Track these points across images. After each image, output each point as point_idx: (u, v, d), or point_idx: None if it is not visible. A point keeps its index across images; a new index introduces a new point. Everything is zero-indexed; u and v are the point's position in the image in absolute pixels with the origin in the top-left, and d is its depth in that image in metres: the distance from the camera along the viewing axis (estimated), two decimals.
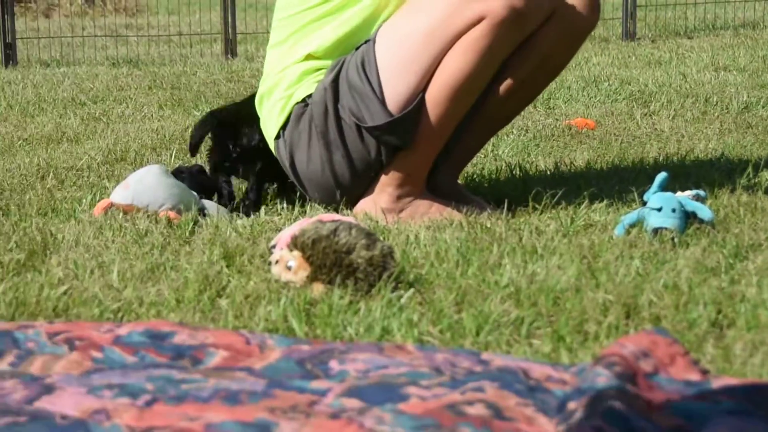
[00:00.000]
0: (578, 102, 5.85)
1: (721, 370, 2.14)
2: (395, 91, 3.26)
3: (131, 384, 2.00)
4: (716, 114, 5.29)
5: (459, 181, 3.68)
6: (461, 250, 2.94)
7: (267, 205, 3.56)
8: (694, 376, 2.02)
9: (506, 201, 3.38)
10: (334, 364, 2.08)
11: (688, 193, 3.24)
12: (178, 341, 2.24)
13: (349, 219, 2.83)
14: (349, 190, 3.41)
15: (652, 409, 1.84)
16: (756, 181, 3.72)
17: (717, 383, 1.98)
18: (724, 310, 2.47)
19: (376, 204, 3.38)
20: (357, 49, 3.35)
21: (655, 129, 4.95)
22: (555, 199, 3.42)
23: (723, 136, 4.71)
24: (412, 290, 2.61)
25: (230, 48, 8.85)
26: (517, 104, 3.56)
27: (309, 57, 3.40)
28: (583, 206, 3.39)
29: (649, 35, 9.69)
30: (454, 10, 3.22)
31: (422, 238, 3.06)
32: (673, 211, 3.07)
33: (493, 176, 3.99)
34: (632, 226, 3.12)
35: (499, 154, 4.41)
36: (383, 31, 3.31)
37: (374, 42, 3.30)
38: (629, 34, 9.58)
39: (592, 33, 9.74)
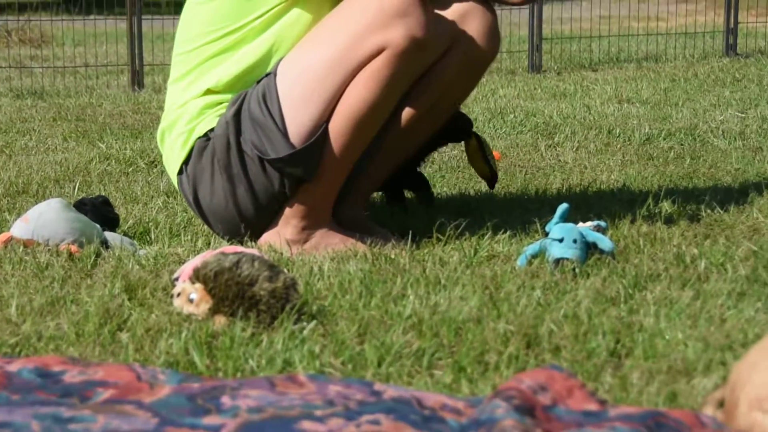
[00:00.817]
0: (484, 133, 5.89)
1: (618, 399, 2.17)
2: (297, 123, 3.27)
3: (16, 422, 1.96)
4: (619, 146, 5.37)
5: (364, 212, 3.68)
6: (365, 282, 2.94)
7: (172, 237, 3.54)
8: (592, 407, 2.04)
9: (410, 232, 3.39)
10: (226, 400, 2.06)
11: (589, 223, 3.28)
12: (68, 379, 2.21)
13: (252, 251, 2.82)
14: (253, 223, 3.40)
15: None
16: (656, 211, 3.78)
17: (614, 412, 2.01)
18: (622, 340, 2.50)
19: (281, 236, 3.38)
20: (258, 82, 3.35)
21: (559, 160, 5.01)
22: (459, 230, 3.44)
23: (625, 167, 4.78)
24: (314, 322, 2.61)
25: (137, 79, 8.79)
26: (420, 135, 3.58)
27: (209, 91, 3.39)
28: (486, 237, 3.41)
29: (555, 68, 9.81)
30: (355, 41, 3.24)
31: (326, 270, 3.06)
32: (574, 241, 3.11)
33: (398, 207, 4.00)
34: (534, 256, 3.15)
35: None
36: (284, 63, 3.32)
37: (275, 75, 3.31)
38: (535, 67, 9.69)
39: (499, 65, 9.85)
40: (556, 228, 3.16)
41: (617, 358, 2.42)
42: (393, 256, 3.24)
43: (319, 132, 3.27)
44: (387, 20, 3.22)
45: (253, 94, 3.33)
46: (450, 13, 3.45)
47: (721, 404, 2.02)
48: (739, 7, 11.01)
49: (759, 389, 1.89)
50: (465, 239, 3.40)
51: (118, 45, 9.87)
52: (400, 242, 3.38)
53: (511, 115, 6.41)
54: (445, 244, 3.36)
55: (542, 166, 4.89)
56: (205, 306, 2.63)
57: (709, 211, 3.77)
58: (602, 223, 3.30)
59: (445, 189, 4.36)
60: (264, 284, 2.60)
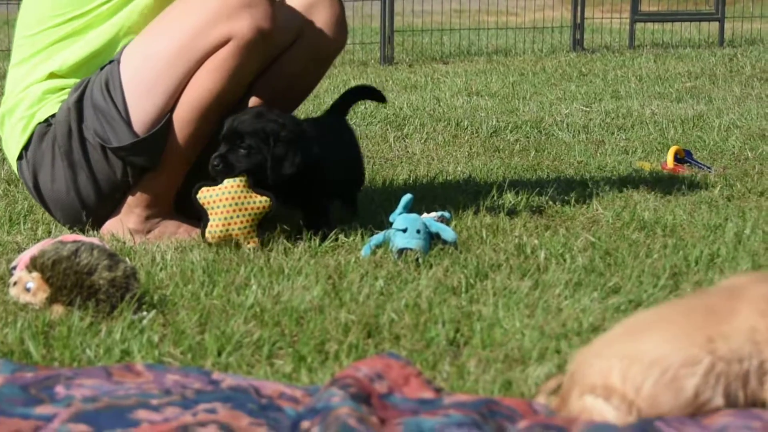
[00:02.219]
0: None
1: (455, 387, 2.20)
2: (141, 112, 3.23)
3: None
4: (466, 138, 5.43)
5: None
6: (208, 271, 2.93)
7: (11, 225, 3.47)
8: (428, 395, 2.06)
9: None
10: (60, 389, 2.03)
11: (433, 214, 3.31)
12: None
13: (92, 240, 2.78)
14: (95, 211, 3.35)
15: (386, 427, 1.88)
16: (500, 203, 3.84)
17: (449, 400, 2.03)
18: (461, 329, 2.53)
19: (124, 225, 3.34)
20: (102, 69, 3.30)
21: (407, 152, 5.05)
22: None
23: (471, 159, 4.84)
24: (154, 311, 2.59)
25: None
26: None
27: (52, 75, 3.34)
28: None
29: (407, 60, 9.89)
30: (201, 31, 3.21)
31: (169, 259, 3.04)
32: (418, 232, 3.14)
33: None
34: (378, 246, 3.17)
35: None
36: (128, 51, 3.28)
37: (119, 62, 3.26)
38: (387, 59, 9.74)
39: (352, 57, 9.87)
40: (400, 218, 3.19)
41: (456, 346, 2.45)
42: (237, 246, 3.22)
43: (163, 121, 3.24)
44: (233, 10, 3.20)
45: (96, 80, 3.28)
46: (297, 3, 3.46)
47: (554, 392, 2.06)
48: (586, 4, 11.23)
49: (595, 377, 1.94)
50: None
51: None
52: None
53: (362, 107, 6.43)
54: (289, 235, 3.36)
55: (390, 157, 4.92)
56: (42, 295, 2.58)
57: (550, 203, 3.85)
58: (446, 214, 3.34)
59: None
60: (103, 273, 2.57)
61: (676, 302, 2.20)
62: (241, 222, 3.17)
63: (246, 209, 3.17)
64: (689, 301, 2.14)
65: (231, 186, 3.16)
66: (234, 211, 3.16)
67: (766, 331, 1.96)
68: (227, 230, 3.16)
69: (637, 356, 1.93)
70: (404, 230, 3.14)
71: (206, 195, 3.17)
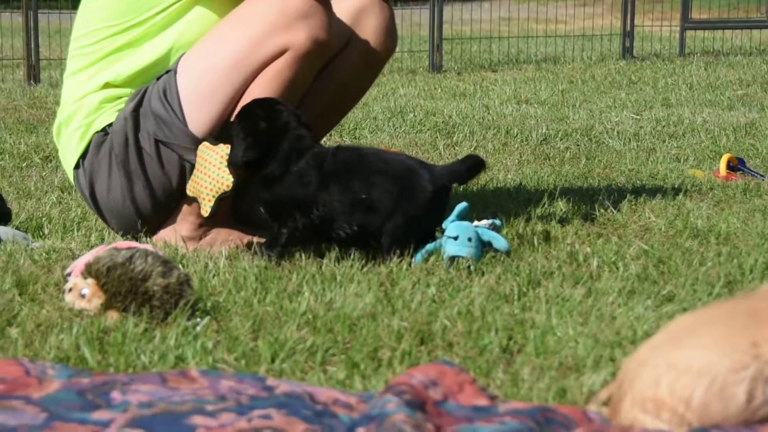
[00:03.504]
0: (384, 132, 5.92)
1: (509, 395, 2.19)
2: (198, 122, 3.25)
3: None
4: (516, 145, 5.42)
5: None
6: (260, 278, 2.94)
7: (65, 232, 3.49)
8: (483, 402, 2.06)
9: None
10: (116, 395, 2.04)
11: (484, 222, 3.30)
12: None
13: (146, 246, 2.80)
14: (150, 219, 3.38)
15: None
16: (551, 210, 3.83)
17: (504, 407, 2.03)
18: (514, 337, 2.52)
19: (177, 233, 3.36)
20: (158, 79, 3.32)
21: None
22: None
23: (522, 166, 4.83)
24: (208, 318, 2.60)
25: (33, 74, 8.67)
26: (318, 132, 3.58)
27: (108, 85, 3.36)
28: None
29: (455, 68, 9.89)
30: (258, 42, 3.22)
31: (221, 266, 3.05)
32: (469, 239, 3.13)
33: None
34: (430, 254, 3.17)
35: None
36: (185, 61, 3.29)
37: (176, 72, 3.28)
38: (436, 67, 9.75)
39: (400, 65, 9.88)
40: (452, 226, 3.18)
41: (509, 354, 2.44)
42: (289, 253, 3.23)
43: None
44: (290, 21, 3.21)
45: (153, 90, 3.30)
46: (347, 9, 3.46)
47: (605, 402, 2.05)
48: (636, 11, 11.18)
49: (644, 389, 1.93)
50: None
51: (14, 39, 9.71)
52: None
53: (411, 114, 6.44)
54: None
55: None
56: (97, 301, 2.60)
57: (602, 210, 3.83)
58: (497, 222, 3.33)
59: None
60: (157, 280, 2.58)
61: (719, 306, 2.16)
62: (204, 187, 3.25)
63: (212, 178, 3.24)
64: (732, 305, 2.10)
65: (218, 152, 3.22)
66: (204, 173, 3.25)
67: None
68: (194, 186, 3.27)
69: (684, 366, 1.91)
70: (455, 238, 3.14)
71: (201, 149, 3.26)
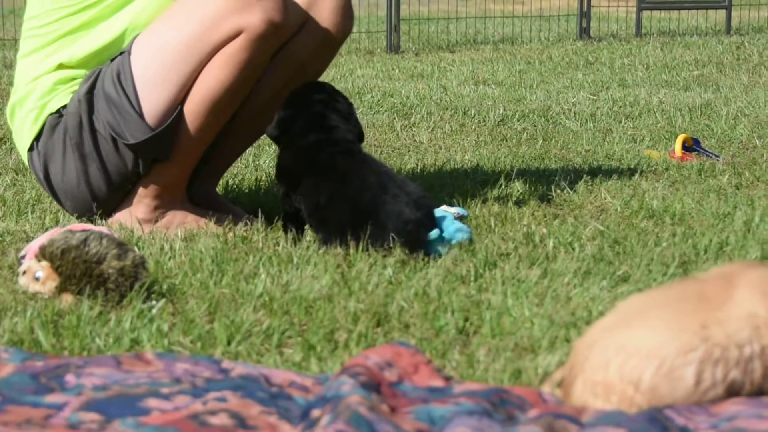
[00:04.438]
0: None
1: (465, 376, 2.20)
2: (153, 104, 3.23)
3: None
4: (473, 126, 5.43)
5: (217, 190, 3.67)
6: (216, 260, 2.93)
7: (20, 214, 3.47)
8: (438, 383, 2.06)
9: (259, 210, 3.38)
10: (70, 378, 2.03)
11: (453, 210, 3.32)
12: None
13: (101, 229, 2.78)
14: (105, 201, 3.35)
15: (396, 415, 1.88)
16: (508, 192, 3.84)
17: (459, 388, 2.03)
18: (470, 318, 2.53)
19: (132, 215, 3.34)
20: (112, 60, 3.29)
21: (415, 140, 5.05)
22: None
23: (479, 147, 4.84)
24: (164, 300, 2.59)
25: None
26: (274, 114, 3.57)
27: (62, 66, 3.33)
28: None
29: (413, 48, 9.88)
30: (212, 23, 3.20)
31: (177, 248, 3.04)
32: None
33: (253, 186, 3.99)
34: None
35: (260, 164, 4.41)
36: (139, 42, 3.27)
37: (129, 53, 3.26)
38: (393, 47, 9.73)
39: (358, 45, 9.86)
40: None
41: (465, 335, 2.45)
42: (246, 235, 3.22)
43: (176, 113, 3.23)
44: (244, 3, 3.18)
45: (107, 72, 3.27)
46: None
47: (560, 383, 2.06)
48: None
49: (594, 372, 1.94)
50: None
51: None
52: (253, 220, 3.37)
53: (369, 95, 6.43)
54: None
55: (398, 146, 4.91)
56: (51, 284, 2.58)
57: (558, 191, 3.84)
58: (464, 212, 3.34)
59: None
60: (112, 262, 2.57)
61: (669, 288, 2.17)
62: None
63: None
64: (682, 287, 2.11)
65: None
66: None
67: (765, 315, 1.95)
68: None
69: (633, 348, 1.92)
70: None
71: None
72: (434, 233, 3.07)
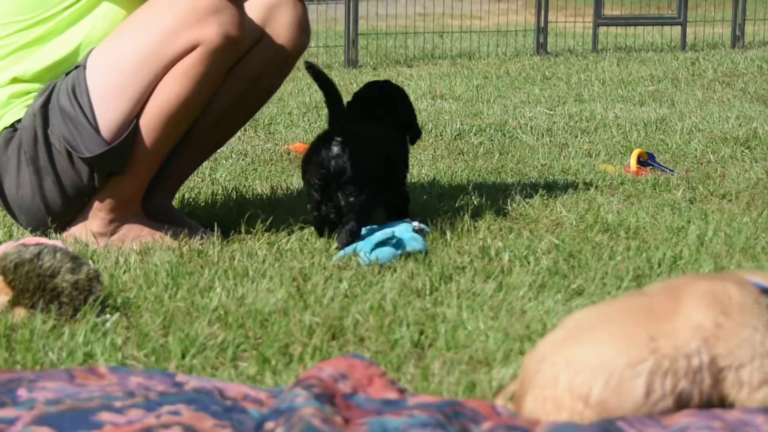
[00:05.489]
0: (298, 127, 5.91)
1: (419, 389, 2.20)
2: (108, 118, 3.21)
3: None
4: (431, 141, 5.44)
5: (174, 204, 3.65)
6: (171, 274, 2.92)
7: None
8: (392, 395, 2.06)
9: (215, 224, 3.38)
10: (22, 392, 2.02)
11: (415, 223, 3.33)
12: None
13: (55, 242, 2.77)
14: (60, 215, 3.33)
15: (350, 427, 1.88)
16: (464, 205, 3.85)
17: (413, 400, 2.04)
18: (425, 331, 2.54)
19: (88, 228, 3.32)
20: (67, 74, 3.28)
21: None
22: (269, 223, 3.44)
23: (436, 161, 4.85)
24: (118, 314, 2.58)
25: None
26: (230, 128, 3.57)
27: (15, 80, 3.31)
28: (297, 230, 3.42)
29: (371, 63, 9.89)
30: (168, 37, 3.19)
31: (132, 262, 3.03)
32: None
33: (210, 200, 3.98)
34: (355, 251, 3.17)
35: (217, 177, 4.41)
36: (94, 56, 3.25)
37: (85, 67, 3.24)
38: (351, 62, 9.75)
39: (316, 60, 9.86)
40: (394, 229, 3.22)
41: (420, 348, 2.46)
42: (201, 248, 3.22)
43: (131, 127, 3.22)
44: (200, 16, 3.18)
45: (62, 85, 3.26)
46: (260, 4, 3.45)
47: (512, 397, 2.07)
48: (550, 8, 11.28)
49: (544, 387, 1.95)
50: (275, 232, 3.41)
51: None
52: (209, 234, 3.36)
53: (326, 110, 6.41)
54: (255, 237, 3.36)
55: None
56: (4, 298, 2.57)
57: (514, 205, 3.86)
58: (425, 228, 3.35)
59: (257, 182, 4.35)
60: (66, 276, 2.56)
61: (616, 301, 2.19)
62: None
63: None
64: (629, 301, 2.12)
65: None
66: None
67: (712, 327, 1.97)
68: None
69: (582, 362, 1.93)
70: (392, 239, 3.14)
71: None
72: (386, 232, 3.11)
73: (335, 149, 3.23)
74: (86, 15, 3.30)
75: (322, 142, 3.30)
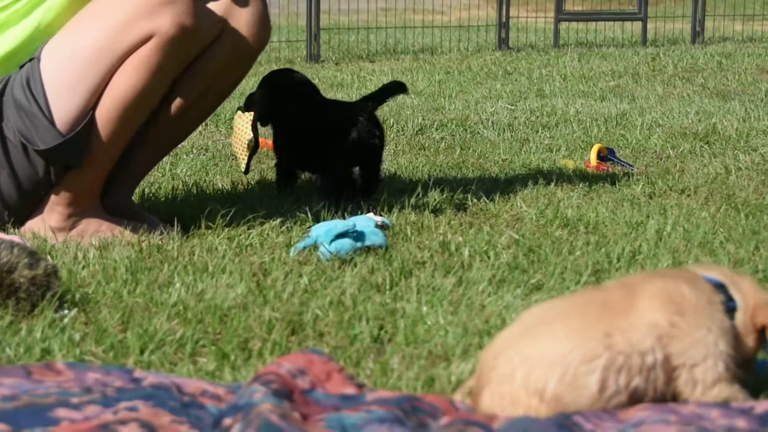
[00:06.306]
0: None
1: (379, 384, 2.20)
2: (64, 110, 3.19)
3: None
4: (392, 136, 5.44)
5: (133, 199, 3.64)
6: (131, 269, 2.91)
7: None
8: (350, 390, 2.06)
9: (175, 219, 3.37)
10: None
11: (378, 218, 3.33)
12: None
13: (12, 238, 2.75)
14: (17, 210, 3.31)
15: (308, 423, 1.88)
16: (425, 200, 3.85)
17: (372, 396, 2.04)
18: (385, 326, 2.54)
19: (45, 223, 3.30)
20: (21, 67, 3.26)
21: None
22: (229, 218, 3.43)
23: (397, 157, 4.85)
24: (76, 310, 2.56)
25: None
26: (190, 123, 3.56)
27: None
28: (257, 225, 3.41)
29: (333, 58, 9.89)
30: (122, 27, 3.18)
31: (91, 257, 3.01)
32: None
33: (170, 195, 3.97)
34: (305, 249, 3.16)
35: (177, 172, 4.39)
36: (49, 48, 3.24)
37: (39, 60, 3.22)
38: (313, 57, 9.74)
39: (278, 54, 9.84)
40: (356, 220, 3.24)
41: (380, 343, 2.46)
42: (161, 244, 3.21)
43: (87, 119, 3.20)
44: (154, 7, 3.17)
45: (16, 79, 3.23)
46: (219, 0, 3.44)
47: (470, 392, 2.07)
48: (512, 3, 11.31)
49: (500, 383, 1.95)
50: (235, 227, 3.40)
51: None
52: (168, 229, 3.35)
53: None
54: (215, 232, 3.35)
55: None
56: None
57: (475, 200, 3.87)
58: (388, 222, 3.36)
59: (218, 177, 4.34)
60: (24, 271, 2.54)
61: (572, 297, 2.20)
62: (237, 147, 4.00)
63: (241, 139, 3.96)
64: (585, 297, 2.14)
65: (242, 117, 3.98)
66: (236, 135, 4.01)
67: (667, 325, 1.98)
68: (232, 149, 4.20)
69: (537, 357, 1.94)
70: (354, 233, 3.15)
71: (235, 118, 4.05)
72: (348, 224, 3.11)
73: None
74: (37, 7, 3.28)
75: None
